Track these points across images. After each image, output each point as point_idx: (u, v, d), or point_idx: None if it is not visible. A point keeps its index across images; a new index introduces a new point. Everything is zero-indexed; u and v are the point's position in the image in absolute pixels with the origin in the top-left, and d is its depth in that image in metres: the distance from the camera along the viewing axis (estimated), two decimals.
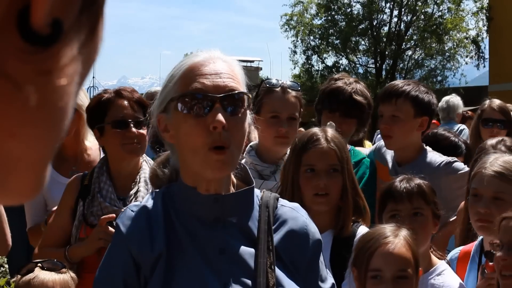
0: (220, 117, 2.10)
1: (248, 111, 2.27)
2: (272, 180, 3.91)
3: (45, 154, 0.67)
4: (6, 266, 6.66)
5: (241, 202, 2.30)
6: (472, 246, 3.49)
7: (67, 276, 3.31)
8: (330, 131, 3.36)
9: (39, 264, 3.31)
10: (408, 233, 2.92)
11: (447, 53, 39.60)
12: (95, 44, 0.64)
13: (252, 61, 48.61)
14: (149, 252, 2.18)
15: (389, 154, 4.46)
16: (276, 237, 2.29)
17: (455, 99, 9.20)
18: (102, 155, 4.41)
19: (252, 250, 2.23)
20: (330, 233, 3.28)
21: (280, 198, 2.43)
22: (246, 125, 2.24)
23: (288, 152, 3.61)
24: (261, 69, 47.91)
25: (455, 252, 3.58)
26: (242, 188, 2.33)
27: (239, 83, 2.23)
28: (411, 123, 4.25)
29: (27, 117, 0.60)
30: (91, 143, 4.58)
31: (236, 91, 2.17)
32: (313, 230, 2.39)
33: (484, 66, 38.87)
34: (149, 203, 2.30)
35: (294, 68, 41.95)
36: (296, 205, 2.47)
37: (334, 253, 3.20)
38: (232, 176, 2.34)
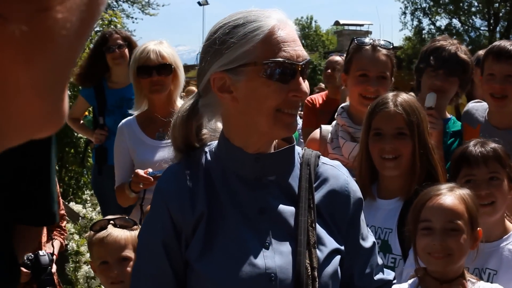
0: (305, 87, 2.18)
1: None
2: None
3: (52, 79, 0.74)
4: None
5: (282, 160, 2.31)
6: None
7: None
8: (403, 95, 3.31)
9: (112, 222, 3.35)
10: (467, 192, 2.86)
11: None
12: None
13: (362, 25, 48.08)
14: (190, 213, 2.22)
15: (481, 116, 4.30)
16: (317, 195, 2.30)
17: None
18: None
19: (293, 208, 2.25)
20: (400, 200, 3.27)
21: (321, 156, 2.43)
22: None
23: None
24: (371, 33, 47.35)
25: None
26: (284, 146, 2.33)
27: None
28: None
29: (34, 47, 0.69)
30: None
31: (308, 60, 2.23)
32: (354, 188, 2.40)
33: None
34: (190, 163, 2.32)
35: (402, 29, 41.18)
36: (337, 163, 2.46)
37: (404, 219, 3.13)
38: None
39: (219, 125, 2.36)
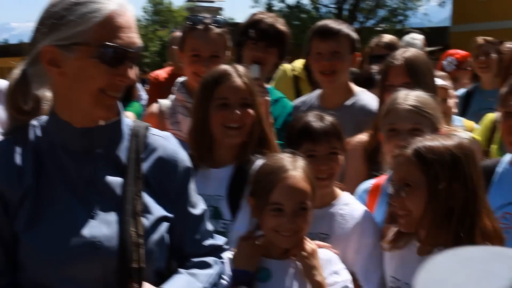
0: (132, 74, 2.26)
1: None
2: None
3: None
4: None
5: (110, 133, 2.36)
6: (384, 179, 3.44)
7: None
8: (241, 68, 3.42)
9: None
10: (304, 163, 2.96)
11: None
12: None
13: (213, 1, 48.14)
14: (17, 185, 2.23)
15: (311, 101, 4.48)
16: (146, 164, 2.37)
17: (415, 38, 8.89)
18: None
19: (121, 179, 2.31)
20: (231, 167, 3.35)
21: (150, 127, 2.48)
22: None
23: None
24: (221, 9, 47.48)
25: (367, 185, 3.53)
26: (113, 119, 2.36)
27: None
28: (348, 59, 4.36)
29: None
30: None
31: (140, 47, 2.28)
32: (183, 157, 2.47)
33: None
34: (18, 137, 2.33)
35: (253, 6, 41.37)
36: (167, 133, 2.53)
37: (233, 185, 3.27)
38: None
39: (47, 94, 2.37)
